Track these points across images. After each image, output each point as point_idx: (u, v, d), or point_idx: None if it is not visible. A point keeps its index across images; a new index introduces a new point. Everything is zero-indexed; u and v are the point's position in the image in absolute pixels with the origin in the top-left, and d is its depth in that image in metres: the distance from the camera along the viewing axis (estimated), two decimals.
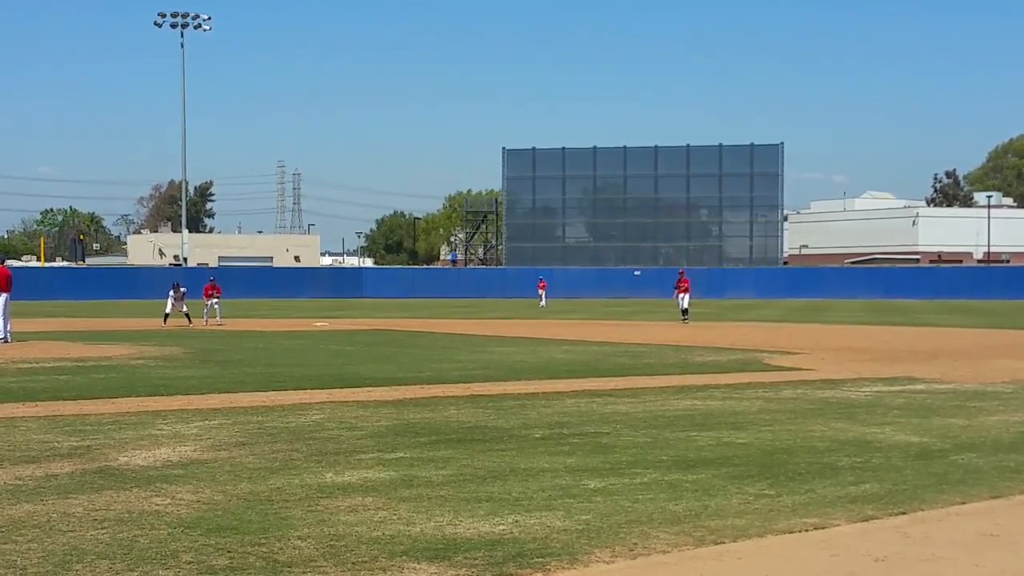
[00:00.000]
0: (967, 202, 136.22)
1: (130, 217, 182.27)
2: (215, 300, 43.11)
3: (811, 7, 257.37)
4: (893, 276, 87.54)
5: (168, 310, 41.02)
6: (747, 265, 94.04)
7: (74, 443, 12.17)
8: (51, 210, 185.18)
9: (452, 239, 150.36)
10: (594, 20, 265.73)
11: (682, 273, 46.95)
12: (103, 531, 8.09)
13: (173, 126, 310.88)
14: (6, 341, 29.10)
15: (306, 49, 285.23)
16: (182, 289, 41.71)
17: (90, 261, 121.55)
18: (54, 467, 10.73)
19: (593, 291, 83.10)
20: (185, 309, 41.01)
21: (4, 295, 29.61)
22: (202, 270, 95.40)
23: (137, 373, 21.00)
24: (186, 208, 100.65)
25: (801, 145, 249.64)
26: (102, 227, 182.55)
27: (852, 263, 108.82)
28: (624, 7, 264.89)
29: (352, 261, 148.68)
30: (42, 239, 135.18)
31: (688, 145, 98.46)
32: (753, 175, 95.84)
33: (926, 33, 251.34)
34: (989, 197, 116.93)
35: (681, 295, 44.82)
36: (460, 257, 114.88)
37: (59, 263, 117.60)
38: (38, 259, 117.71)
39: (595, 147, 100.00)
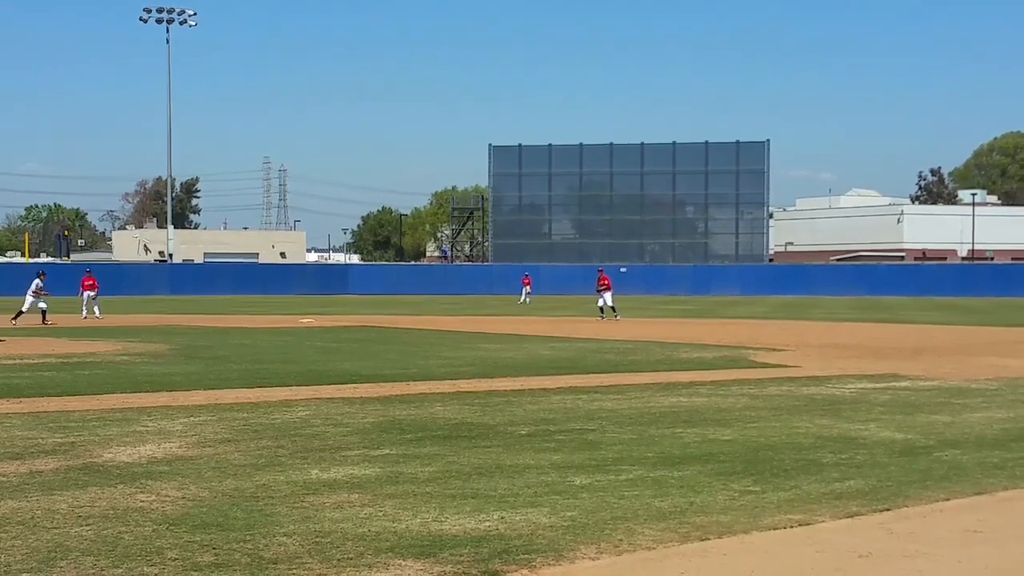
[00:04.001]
0: (952, 200, 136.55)
1: (115, 213, 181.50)
2: (92, 294, 42.36)
3: (798, 5, 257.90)
4: (878, 273, 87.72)
5: (25, 307, 38.18)
6: (733, 262, 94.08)
7: (58, 440, 12.13)
8: (36, 206, 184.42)
9: (439, 235, 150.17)
10: (580, 17, 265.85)
11: (601, 272, 46.50)
12: (88, 528, 8.07)
13: (159, 122, 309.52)
14: None
15: (292, 45, 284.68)
16: (39, 283, 38.84)
17: (75, 257, 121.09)
18: (38, 464, 10.70)
19: (579, 288, 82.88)
20: (43, 305, 38.38)
21: None
22: (191, 266, 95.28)
23: (122, 369, 20.94)
24: (172, 204, 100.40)
25: (787, 142, 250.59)
26: (87, 223, 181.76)
27: (837, 260, 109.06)
28: (611, 4, 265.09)
29: (338, 257, 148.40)
30: (26, 235, 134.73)
31: (674, 142, 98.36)
32: (739, 172, 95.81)
33: (912, 32, 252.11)
34: (974, 195, 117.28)
35: (604, 293, 44.42)
36: (448, 253, 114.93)
37: (44, 259, 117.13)
38: (22, 255, 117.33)
39: (581, 144, 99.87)
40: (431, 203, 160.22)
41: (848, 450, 11.80)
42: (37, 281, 38.88)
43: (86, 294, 42.55)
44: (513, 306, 59.89)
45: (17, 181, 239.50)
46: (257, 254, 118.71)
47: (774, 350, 26.70)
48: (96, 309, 41.78)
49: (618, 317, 42.74)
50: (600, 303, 44.54)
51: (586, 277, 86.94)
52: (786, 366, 22.37)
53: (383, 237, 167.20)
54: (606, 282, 44.64)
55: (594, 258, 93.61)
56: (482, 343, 29.14)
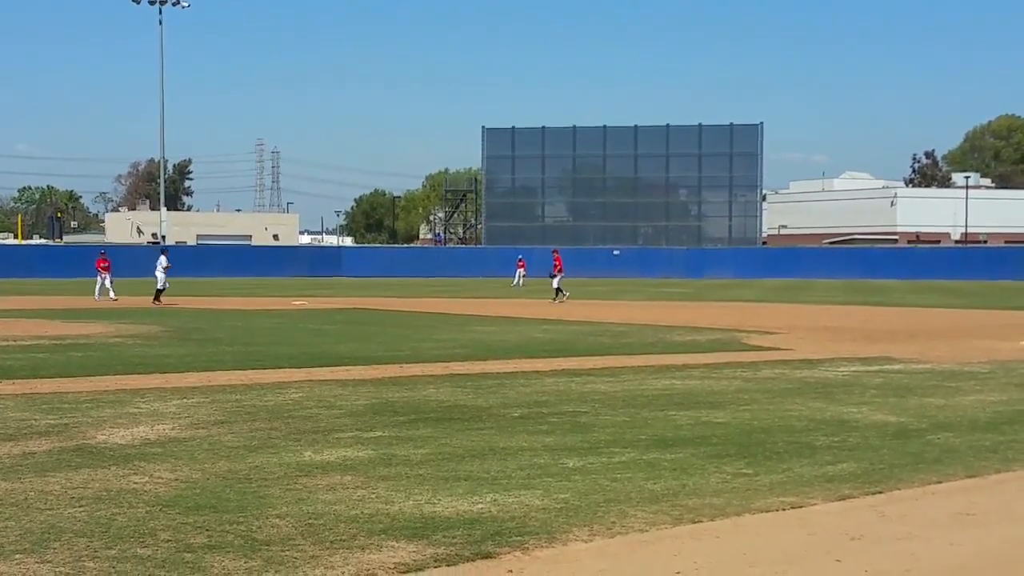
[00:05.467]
0: (945, 183, 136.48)
1: (108, 195, 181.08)
2: (107, 275, 42.06)
3: None
4: (871, 256, 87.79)
5: (160, 285, 39.74)
6: (726, 245, 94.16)
7: (52, 421, 12.12)
8: (28, 188, 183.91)
9: (432, 218, 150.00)
10: None
11: (555, 252, 46.46)
12: (81, 509, 8.07)
13: (151, 104, 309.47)
14: None
15: (285, 27, 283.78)
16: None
17: (68, 239, 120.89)
18: (31, 445, 10.69)
19: (572, 270, 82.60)
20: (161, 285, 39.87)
21: None
22: (184, 248, 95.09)
23: (115, 351, 20.92)
24: (164, 186, 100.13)
25: (781, 125, 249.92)
26: (80, 204, 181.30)
27: (831, 243, 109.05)
28: None
29: (331, 240, 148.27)
30: (19, 216, 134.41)
31: (668, 125, 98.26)
32: (732, 155, 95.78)
33: (906, 14, 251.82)
34: (967, 178, 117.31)
35: (556, 274, 44.42)
36: (441, 236, 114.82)
37: (36, 240, 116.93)
38: (15, 236, 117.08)
39: (575, 126, 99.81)
40: (424, 185, 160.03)
41: (841, 433, 11.83)
42: (163, 258, 39.40)
43: (99, 276, 42.42)
44: (506, 289, 59.87)
45: (9, 163, 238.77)
46: (250, 236, 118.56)
47: (767, 333, 26.73)
48: (111, 292, 41.61)
49: (557, 301, 42.33)
50: (554, 284, 44.55)
51: (579, 260, 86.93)
52: (779, 349, 22.40)
53: (376, 220, 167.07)
54: (559, 264, 44.73)
55: (587, 241, 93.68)
56: (475, 325, 29.15)
